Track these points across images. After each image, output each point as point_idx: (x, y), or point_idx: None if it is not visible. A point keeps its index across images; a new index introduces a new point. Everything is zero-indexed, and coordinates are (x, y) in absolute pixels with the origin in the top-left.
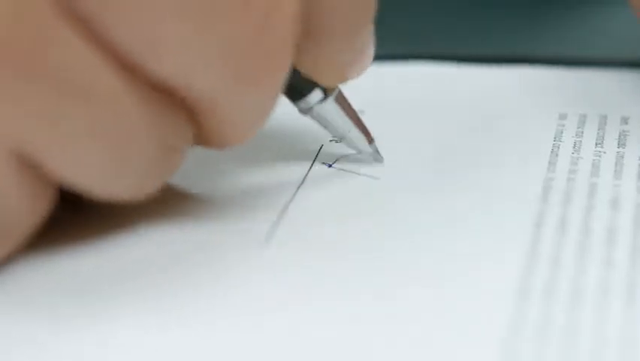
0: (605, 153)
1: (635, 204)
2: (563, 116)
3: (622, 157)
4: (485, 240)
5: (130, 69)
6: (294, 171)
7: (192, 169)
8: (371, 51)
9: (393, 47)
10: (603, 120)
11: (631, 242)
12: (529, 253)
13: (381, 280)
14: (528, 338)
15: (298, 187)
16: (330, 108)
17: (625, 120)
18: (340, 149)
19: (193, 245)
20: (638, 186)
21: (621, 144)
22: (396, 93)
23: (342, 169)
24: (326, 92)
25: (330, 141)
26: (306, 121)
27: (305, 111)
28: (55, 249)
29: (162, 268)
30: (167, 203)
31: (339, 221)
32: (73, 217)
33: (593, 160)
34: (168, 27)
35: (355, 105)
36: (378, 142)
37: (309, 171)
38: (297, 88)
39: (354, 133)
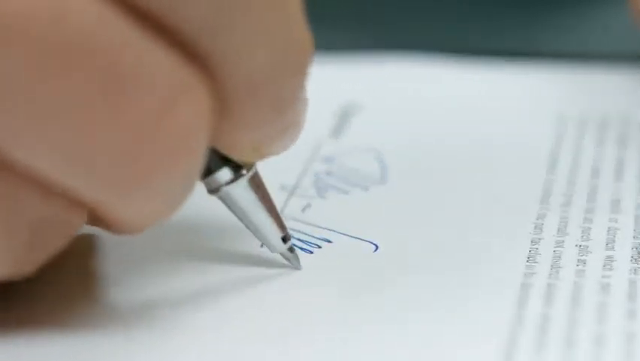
0: (605, 154)
1: (635, 206)
2: (563, 118)
3: (622, 159)
4: (486, 242)
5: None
6: (290, 169)
7: None
8: (300, 125)
9: (392, 42)
10: (604, 121)
11: (631, 244)
12: (530, 255)
13: (382, 282)
14: (528, 338)
15: (292, 192)
16: (241, 192)
17: (625, 121)
18: (339, 147)
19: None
20: (638, 188)
21: (621, 145)
22: (394, 92)
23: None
24: (239, 171)
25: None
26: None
27: (212, 190)
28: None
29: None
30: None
31: (336, 227)
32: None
33: (593, 162)
34: (42, 127)
35: (350, 102)
36: (376, 142)
37: (304, 172)
38: (205, 163)
39: (267, 226)
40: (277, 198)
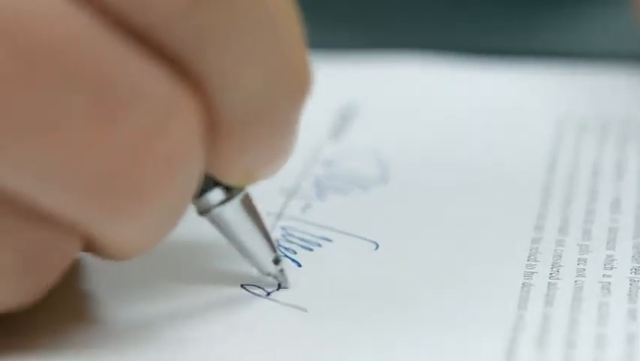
0: (605, 154)
1: (636, 206)
2: (562, 118)
3: (622, 159)
4: (486, 242)
5: None
6: (290, 172)
7: None
8: (289, 152)
9: (391, 41)
10: (603, 121)
11: (631, 243)
12: (531, 254)
13: (382, 280)
14: (529, 338)
15: (292, 194)
16: (233, 213)
17: (625, 121)
18: (339, 149)
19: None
20: (638, 188)
21: (621, 145)
22: (394, 92)
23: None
24: (230, 192)
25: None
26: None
27: (203, 212)
28: None
29: None
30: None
31: (337, 226)
32: None
33: (593, 162)
34: (26, 144)
35: (349, 103)
36: (376, 142)
37: (304, 175)
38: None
39: (259, 248)
40: (277, 201)
